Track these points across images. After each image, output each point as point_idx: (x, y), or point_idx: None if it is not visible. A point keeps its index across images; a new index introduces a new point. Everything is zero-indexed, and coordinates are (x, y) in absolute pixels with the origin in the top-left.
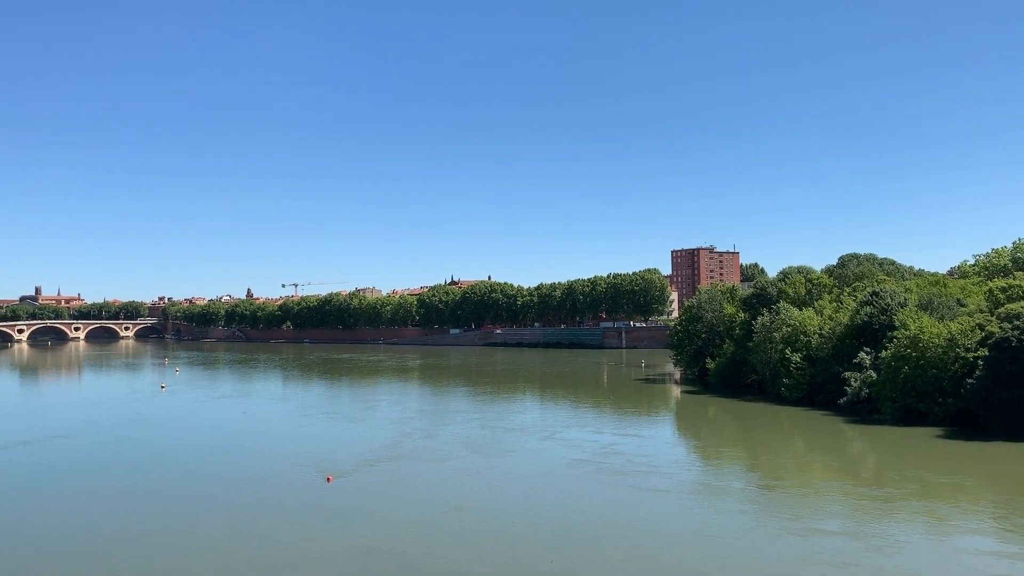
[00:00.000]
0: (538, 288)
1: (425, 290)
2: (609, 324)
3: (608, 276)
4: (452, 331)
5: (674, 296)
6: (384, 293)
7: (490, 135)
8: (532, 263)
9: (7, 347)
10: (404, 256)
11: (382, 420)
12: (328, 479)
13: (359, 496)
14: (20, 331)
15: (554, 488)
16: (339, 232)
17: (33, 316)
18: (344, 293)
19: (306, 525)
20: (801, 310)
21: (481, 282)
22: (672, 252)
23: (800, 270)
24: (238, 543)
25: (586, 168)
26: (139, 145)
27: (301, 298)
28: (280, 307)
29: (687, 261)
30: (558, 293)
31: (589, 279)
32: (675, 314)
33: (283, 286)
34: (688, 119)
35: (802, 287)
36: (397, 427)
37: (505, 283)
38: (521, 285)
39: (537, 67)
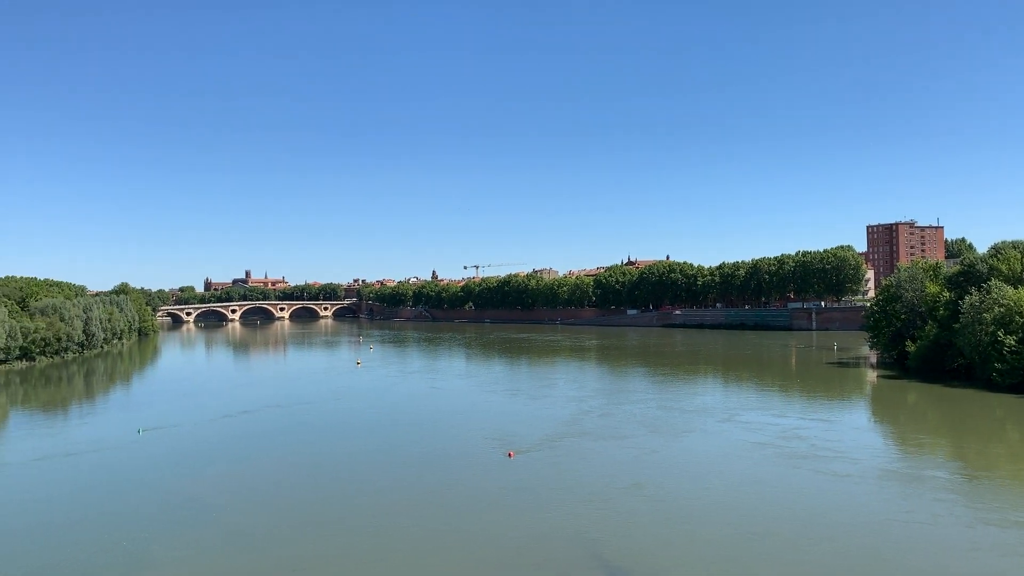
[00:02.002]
0: (719, 267)
1: (601, 270)
2: (797, 304)
3: (796, 254)
4: (629, 312)
5: (870, 275)
6: (561, 274)
7: (668, 123)
8: (712, 241)
9: (223, 325)
10: (581, 237)
11: (560, 398)
12: (509, 455)
13: (539, 472)
14: (233, 311)
15: (731, 469)
16: (519, 215)
17: (244, 297)
18: (522, 274)
19: (489, 499)
20: (1016, 288)
21: (659, 262)
22: (868, 228)
23: (1015, 245)
24: (424, 516)
25: (770, 142)
26: (341, 143)
27: (482, 279)
28: (462, 288)
29: (884, 237)
30: (741, 272)
31: (775, 257)
32: (870, 294)
33: (465, 268)
34: (882, 84)
35: (1017, 263)
36: (575, 405)
37: (684, 262)
38: (701, 264)
39: (709, 58)
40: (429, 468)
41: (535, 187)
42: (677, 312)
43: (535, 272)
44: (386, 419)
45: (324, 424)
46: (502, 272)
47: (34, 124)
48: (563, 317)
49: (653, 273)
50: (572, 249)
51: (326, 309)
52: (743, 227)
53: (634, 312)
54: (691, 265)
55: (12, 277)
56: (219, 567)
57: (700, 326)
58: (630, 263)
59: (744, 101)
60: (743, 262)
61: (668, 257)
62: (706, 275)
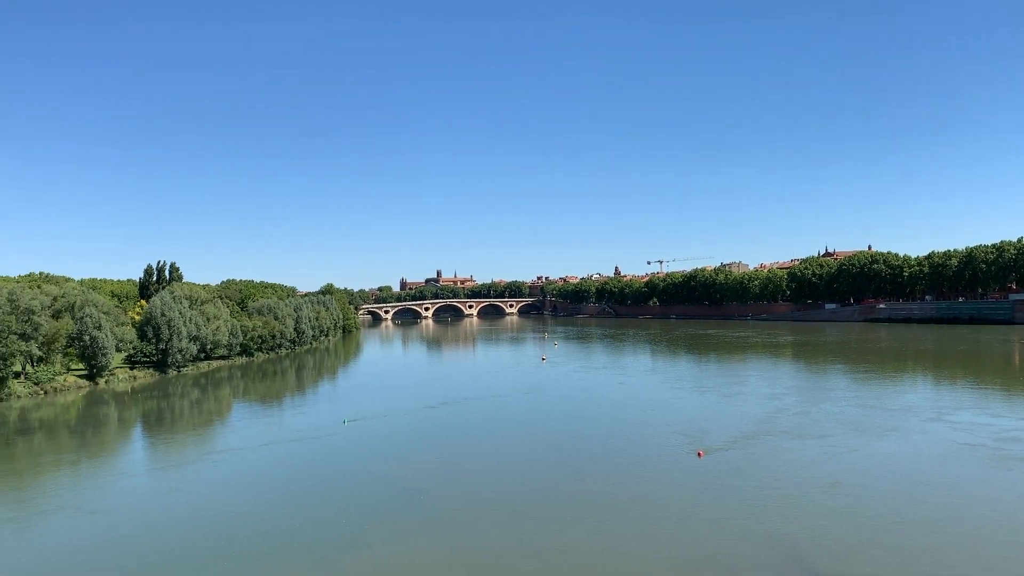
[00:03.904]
0: (928, 257)
1: (796, 263)
2: (1021, 296)
3: (1018, 240)
4: (827, 306)
5: None
6: (751, 267)
7: (865, 109)
8: (919, 229)
9: (417, 323)
10: (772, 229)
11: (752, 395)
12: (699, 454)
13: (731, 472)
14: (426, 309)
15: (936, 471)
16: (704, 207)
17: (436, 296)
18: (709, 268)
19: (679, 499)
20: None
21: (859, 252)
22: None
23: None
24: (612, 513)
25: (984, 118)
26: (524, 144)
27: (666, 274)
28: (646, 284)
29: None
30: (953, 262)
31: (993, 244)
32: None
33: (648, 263)
34: None
35: None
36: (768, 403)
37: (888, 252)
38: (907, 254)
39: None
40: (617, 465)
41: (722, 180)
42: (881, 306)
43: (723, 266)
44: (573, 414)
45: (515, 417)
46: (687, 267)
47: (254, 139)
48: (754, 312)
49: (853, 264)
50: (763, 241)
51: (511, 306)
52: (954, 212)
53: (832, 306)
54: (896, 255)
55: (233, 280)
56: (428, 548)
57: (907, 320)
58: (827, 254)
59: (955, 79)
60: (955, 251)
61: (870, 247)
62: (913, 265)
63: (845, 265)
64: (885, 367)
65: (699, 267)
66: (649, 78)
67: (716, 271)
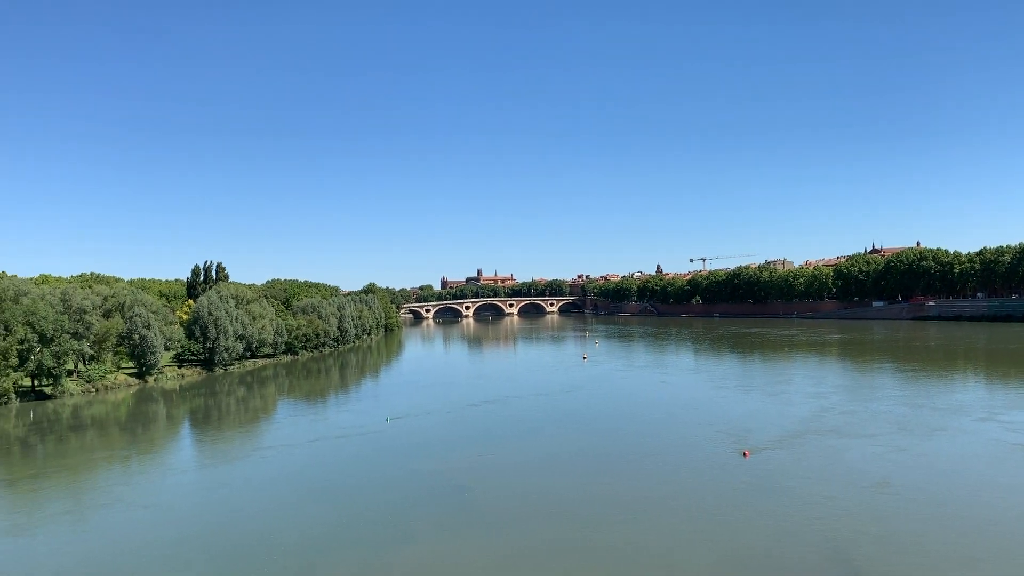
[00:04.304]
0: (980, 253)
1: (842, 260)
2: None
3: None
4: (875, 303)
5: None
6: (796, 265)
7: (911, 103)
8: (970, 225)
9: (458, 321)
10: (817, 225)
11: (797, 394)
12: (744, 454)
13: (777, 472)
14: (467, 308)
15: (987, 471)
16: (747, 204)
17: (476, 295)
18: (753, 266)
19: (725, 499)
20: None
21: (908, 249)
22: None
23: None
24: (659, 513)
25: None
26: (564, 145)
27: (709, 272)
28: (689, 282)
29: None
30: (1007, 258)
31: None
32: None
33: (691, 260)
34: None
35: None
36: (814, 402)
37: (937, 249)
38: (958, 250)
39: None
40: (661, 464)
41: (766, 177)
42: (930, 303)
43: (767, 263)
44: (615, 413)
45: (557, 416)
46: (731, 264)
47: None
48: (799, 310)
49: (902, 261)
50: (808, 238)
51: (552, 305)
52: (1006, 207)
53: (880, 304)
54: (946, 251)
55: (278, 280)
56: (472, 545)
57: (957, 318)
58: (874, 251)
59: (1008, 71)
60: (1008, 247)
61: (918, 243)
62: (964, 262)
63: (893, 262)
64: (934, 366)
65: (743, 265)
66: (692, 77)
67: (760, 268)
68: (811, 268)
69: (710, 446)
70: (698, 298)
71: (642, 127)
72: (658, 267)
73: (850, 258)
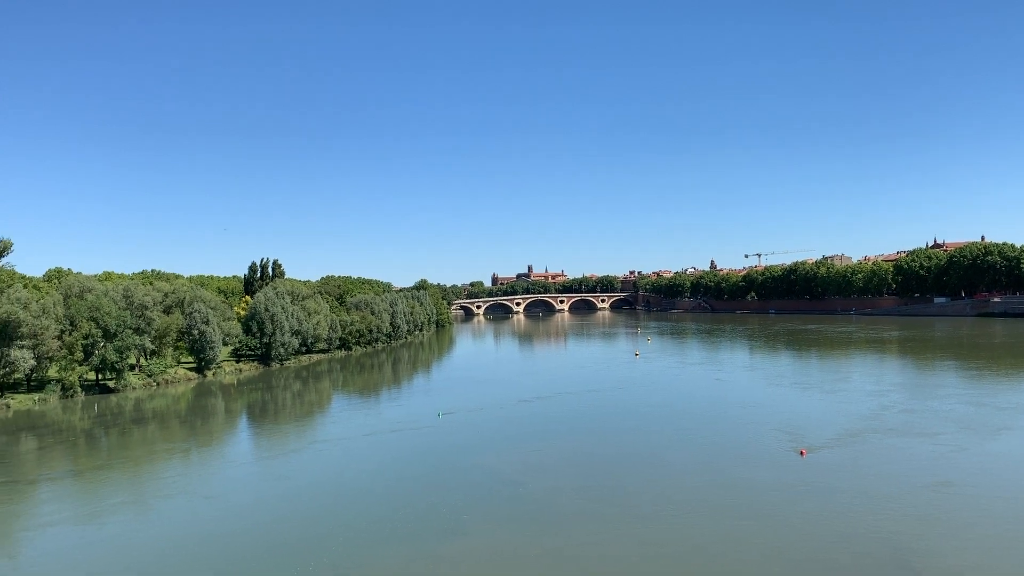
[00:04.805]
0: None
1: (902, 255)
2: None
3: None
4: (936, 300)
5: None
6: (854, 260)
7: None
8: None
9: (509, 318)
10: (877, 220)
11: (856, 392)
12: (801, 453)
13: (834, 473)
14: (517, 304)
15: None
16: (803, 199)
17: (527, 291)
18: (810, 261)
19: (782, 499)
20: None
21: (971, 243)
22: None
23: None
24: (714, 514)
25: None
26: (610, 142)
27: (765, 268)
28: (743, 278)
29: None
30: None
31: None
32: None
33: (746, 256)
34: None
35: None
36: (873, 400)
37: (1004, 243)
38: None
39: None
40: (716, 462)
41: (823, 170)
42: (995, 299)
43: (825, 259)
44: (668, 410)
45: (610, 412)
46: (787, 260)
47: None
48: (857, 307)
49: (965, 256)
50: (867, 233)
51: (603, 301)
52: None
53: (942, 300)
54: (1012, 246)
55: (332, 276)
56: (524, 539)
57: None
58: (936, 246)
59: None
60: None
61: (983, 238)
62: None
63: (956, 257)
64: (999, 364)
65: (799, 260)
66: (758, 73)
67: (817, 264)
68: (870, 263)
69: (766, 444)
70: (753, 294)
71: (697, 122)
72: (712, 263)
73: (910, 253)
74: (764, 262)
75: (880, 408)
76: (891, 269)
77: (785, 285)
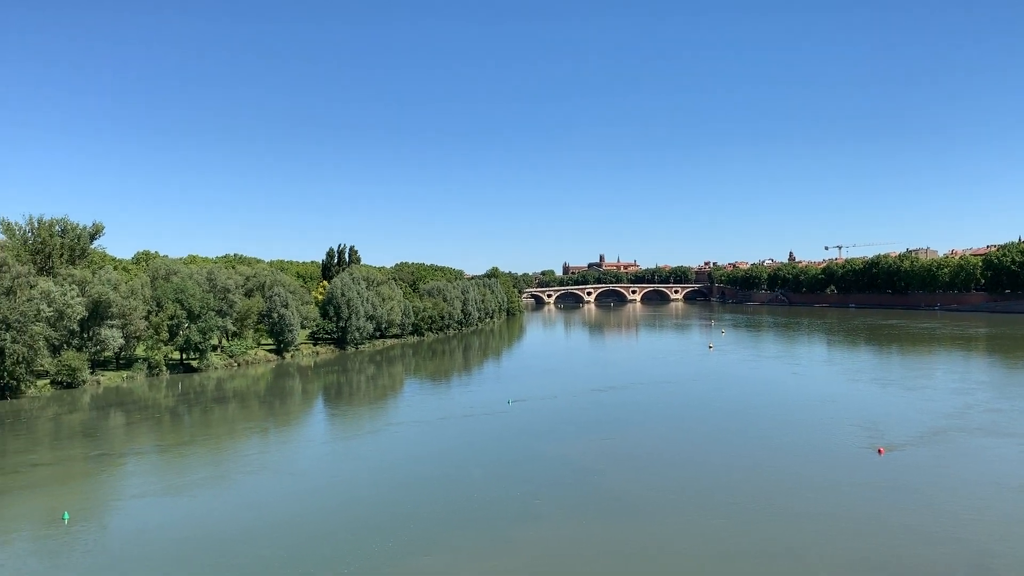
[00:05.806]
0: None
1: (993, 249)
2: None
3: None
4: None
5: None
6: (940, 254)
7: None
8: None
9: (579, 307)
10: (965, 212)
11: (938, 390)
12: (879, 451)
13: (913, 473)
14: (588, 293)
15: None
16: (888, 189)
17: (598, 280)
18: (893, 255)
19: (857, 500)
20: None
21: None
22: None
23: None
24: (788, 512)
25: None
26: (677, 135)
27: (845, 261)
28: (823, 270)
29: None
30: None
31: None
32: None
33: (826, 248)
34: None
35: None
36: (956, 398)
37: None
38: None
39: None
40: (790, 459)
41: (908, 161)
42: None
43: (909, 252)
44: (743, 403)
45: (683, 403)
46: (869, 252)
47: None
48: (943, 303)
49: None
50: (954, 226)
51: (676, 292)
52: None
53: None
54: None
55: (405, 263)
56: (597, 527)
57: None
58: None
59: None
60: None
61: None
62: None
63: None
64: None
65: (882, 253)
66: (838, 62)
67: (901, 257)
68: (957, 258)
69: (842, 441)
70: (832, 288)
71: (777, 112)
72: (790, 254)
73: (1001, 247)
74: (845, 254)
75: (964, 406)
76: (980, 264)
77: (866, 279)
